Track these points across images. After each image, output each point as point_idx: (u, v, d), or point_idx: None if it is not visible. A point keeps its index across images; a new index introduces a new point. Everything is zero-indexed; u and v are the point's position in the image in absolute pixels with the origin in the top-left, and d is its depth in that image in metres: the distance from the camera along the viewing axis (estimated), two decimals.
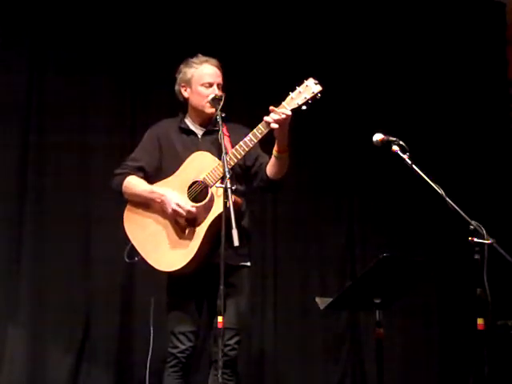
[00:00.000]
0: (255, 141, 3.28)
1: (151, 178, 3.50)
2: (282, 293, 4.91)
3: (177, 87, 3.57)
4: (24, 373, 4.22)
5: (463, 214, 2.89)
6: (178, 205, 3.31)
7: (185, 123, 3.56)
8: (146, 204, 3.44)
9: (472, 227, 2.86)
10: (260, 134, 3.27)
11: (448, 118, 5.44)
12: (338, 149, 5.18)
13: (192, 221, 3.35)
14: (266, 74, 4.93)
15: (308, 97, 3.24)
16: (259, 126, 3.27)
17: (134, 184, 3.46)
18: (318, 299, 3.37)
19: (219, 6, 4.87)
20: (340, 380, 5.01)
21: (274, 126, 3.22)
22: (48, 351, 4.30)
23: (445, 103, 5.45)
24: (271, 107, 3.24)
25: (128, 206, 3.50)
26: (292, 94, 3.26)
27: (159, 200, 3.37)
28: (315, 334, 4.96)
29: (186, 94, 3.54)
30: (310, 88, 3.25)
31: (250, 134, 3.28)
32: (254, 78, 4.89)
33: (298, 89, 3.26)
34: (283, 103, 3.25)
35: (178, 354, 3.41)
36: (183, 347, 3.41)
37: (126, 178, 3.47)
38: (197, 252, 3.30)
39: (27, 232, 4.33)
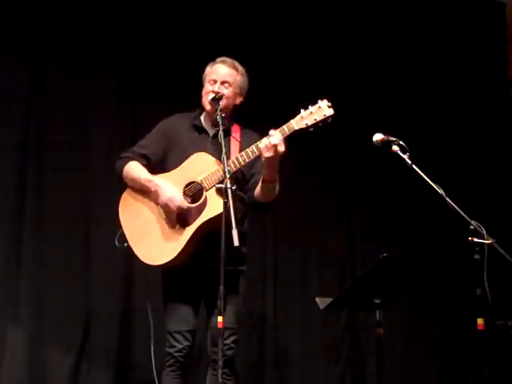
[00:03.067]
0: (257, 153, 3.26)
1: (155, 168, 3.50)
2: (282, 293, 4.91)
3: None
4: (24, 373, 4.22)
5: (463, 214, 2.89)
6: (170, 199, 3.32)
7: (199, 120, 3.56)
8: (143, 192, 3.45)
9: (472, 227, 2.86)
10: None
11: (448, 117, 5.44)
12: (338, 150, 5.18)
13: (183, 220, 3.35)
14: (269, 75, 4.93)
15: (318, 119, 3.19)
16: (263, 139, 3.24)
17: (135, 169, 3.47)
18: (318, 299, 3.37)
19: (222, 6, 4.87)
20: (340, 380, 5.01)
21: (266, 154, 3.17)
22: (48, 351, 4.30)
23: (445, 103, 5.45)
24: (271, 132, 3.19)
25: (126, 192, 3.51)
26: (303, 113, 3.21)
27: (154, 189, 3.38)
28: (315, 334, 4.95)
29: (202, 93, 3.56)
30: (322, 110, 3.20)
31: (253, 146, 3.27)
32: (259, 82, 4.87)
33: (310, 108, 3.21)
34: (291, 121, 3.21)
35: (176, 354, 3.40)
36: (180, 346, 3.41)
37: (128, 162, 3.49)
38: (179, 253, 3.31)
39: (27, 232, 4.33)
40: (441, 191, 2.95)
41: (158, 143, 3.54)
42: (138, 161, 3.49)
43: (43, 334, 4.29)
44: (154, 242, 3.38)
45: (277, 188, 3.36)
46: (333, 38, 5.22)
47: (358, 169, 5.21)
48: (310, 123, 3.20)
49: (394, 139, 3.14)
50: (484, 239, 2.83)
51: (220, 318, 2.95)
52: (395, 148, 3.11)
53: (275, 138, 3.16)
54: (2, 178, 4.32)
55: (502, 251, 2.82)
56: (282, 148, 3.17)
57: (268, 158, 3.19)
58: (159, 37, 4.73)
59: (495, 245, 2.82)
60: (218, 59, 3.55)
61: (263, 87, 4.89)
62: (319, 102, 3.21)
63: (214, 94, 3.43)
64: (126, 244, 3.45)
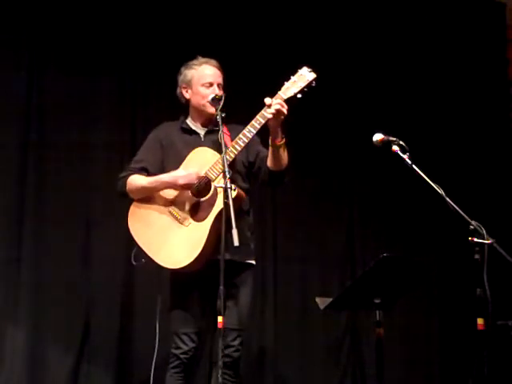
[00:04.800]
0: (254, 132, 3.31)
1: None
2: (282, 293, 4.91)
3: (178, 90, 3.60)
4: (24, 373, 4.21)
5: (463, 214, 2.89)
6: (186, 176, 3.34)
7: (186, 124, 3.58)
8: (149, 200, 3.45)
9: (472, 227, 2.86)
10: (258, 124, 3.30)
11: (448, 117, 5.45)
12: (338, 149, 5.18)
13: (197, 215, 3.35)
14: (265, 74, 4.91)
15: (303, 85, 3.29)
16: (257, 117, 3.30)
17: (137, 179, 3.47)
18: (318, 299, 3.37)
19: (217, 5, 4.87)
20: (340, 380, 5.01)
21: (273, 118, 3.24)
22: (48, 351, 4.29)
23: (445, 103, 5.45)
24: (267, 100, 3.26)
25: (132, 206, 3.49)
26: (287, 84, 3.31)
27: (166, 179, 3.38)
28: (315, 335, 4.96)
29: (187, 96, 3.56)
30: (304, 76, 3.30)
31: (249, 126, 3.31)
32: (252, 76, 4.88)
33: (293, 78, 3.31)
34: (279, 93, 3.30)
35: (181, 355, 3.40)
36: (186, 348, 3.40)
37: (129, 177, 3.48)
38: (204, 247, 3.29)
39: (27, 232, 4.33)
40: (441, 191, 2.95)
41: (153, 153, 3.54)
42: (139, 174, 3.49)
43: (43, 334, 4.29)
44: (173, 246, 3.36)
45: (285, 151, 3.38)
46: (332, 37, 5.22)
47: (358, 169, 5.21)
48: (296, 90, 3.29)
49: (394, 139, 3.14)
50: (484, 239, 2.83)
51: (220, 318, 2.95)
52: (395, 148, 3.12)
53: (278, 102, 3.24)
54: (1, 177, 4.32)
55: (502, 251, 2.82)
56: (284, 109, 3.25)
57: (275, 121, 3.26)
58: (159, 37, 4.73)
59: (495, 245, 2.82)
60: (200, 60, 3.55)
61: (262, 86, 4.90)
62: (299, 70, 3.33)
63: (214, 95, 3.44)
64: (143, 260, 3.41)
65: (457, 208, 2.91)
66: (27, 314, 4.26)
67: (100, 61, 4.57)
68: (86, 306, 4.39)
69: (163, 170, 3.51)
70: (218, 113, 3.33)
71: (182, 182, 3.36)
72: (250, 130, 3.31)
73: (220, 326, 2.96)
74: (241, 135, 3.32)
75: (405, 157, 3.08)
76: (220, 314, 2.95)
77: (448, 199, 2.93)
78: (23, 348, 4.23)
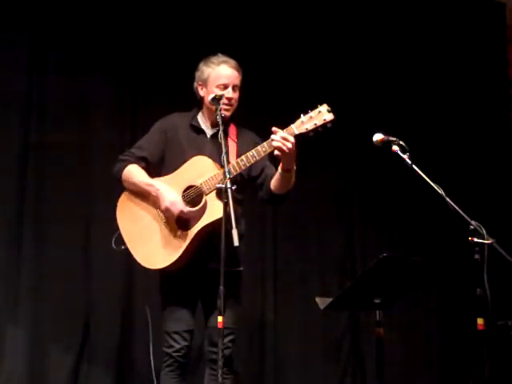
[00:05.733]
0: (257, 158, 3.27)
1: (153, 169, 3.50)
2: (282, 293, 4.91)
3: (195, 85, 3.57)
4: (24, 373, 4.21)
5: (463, 214, 2.89)
6: (172, 203, 3.32)
7: (197, 121, 3.56)
8: (142, 195, 3.45)
9: (472, 227, 2.86)
10: (263, 152, 3.26)
11: (448, 117, 5.45)
12: (338, 148, 5.18)
13: (183, 224, 3.35)
14: (267, 75, 4.94)
15: (318, 124, 3.18)
16: (264, 143, 3.25)
17: (134, 173, 3.46)
18: (318, 299, 3.38)
19: (223, 8, 4.88)
20: (340, 380, 5.01)
21: (277, 151, 3.19)
22: (48, 351, 4.29)
23: (445, 103, 5.45)
24: (274, 129, 3.19)
25: (124, 195, 3.51)
26: (303, 118, 3.20)
27: (155, 194, 3.38)
28: (315, 334, 4.96)
29: (201, 93, 3.54)
30: (322, 115, 3.18)
31: (254, 151, 3.27)
32: (262, 85, 4.88)
33: (310, 113, 3.19)
34: (292, 126, 3.21)
35: (174, 354, 3.41)
36: (178, 346, 3.41)
37: (127, 165, 3.48)
38: (181, 255, 3.32)
39: (27, 232, 4.33)
40: (441, 191, 2.95)
41: (156, 144, 3.53)
42: (137, 164, 3.48)
43: (43, 334, 4.29)
44: (153, 246, 3.38)
45: (293, 178, 3.34)
46: (333, 37, 5.22)
47: (358, 169, 5.21)
48: (310, 128, 3.19)
49: (394, 139, 3.14)
50: (484, 239, 2.83)
51: (220, 318, 2.95)
52: (395, 148, 3.12)
53: (284, 137, 3.15)
54: (1, 177, 4.32)
55: (502, 251, 2.82)
56: (290, 145, 3.16)
57: (282, 154, 3.20)
58: (159, 37, 4.73)
59: (495, 245, 2.82)
60: (219, 59, 3.50)
61: (262, 87, 4.90)
62: (319, 106, 3.20)
63: (213, 94, 3.41)
64: (123, 246, 3.45)
65: (457, 208, 2.91)
66: (27, 314, 4.26)
67: (100, 61, 4.57)
68: (86, 306, 4.39)
69: (163, 162, 3.51)
70: (218, 113, 3.32)
71: (168, 205, 3.32)
72: (253, 155, 3.27)
73: (220, 326, 2.96)
74: (244, 158, 3.28)
75: (405, 157, 3.08)
76: (220, 314, 2.96)
77: (448, 199, 2.93)
78: (23, 348, 4.24)
